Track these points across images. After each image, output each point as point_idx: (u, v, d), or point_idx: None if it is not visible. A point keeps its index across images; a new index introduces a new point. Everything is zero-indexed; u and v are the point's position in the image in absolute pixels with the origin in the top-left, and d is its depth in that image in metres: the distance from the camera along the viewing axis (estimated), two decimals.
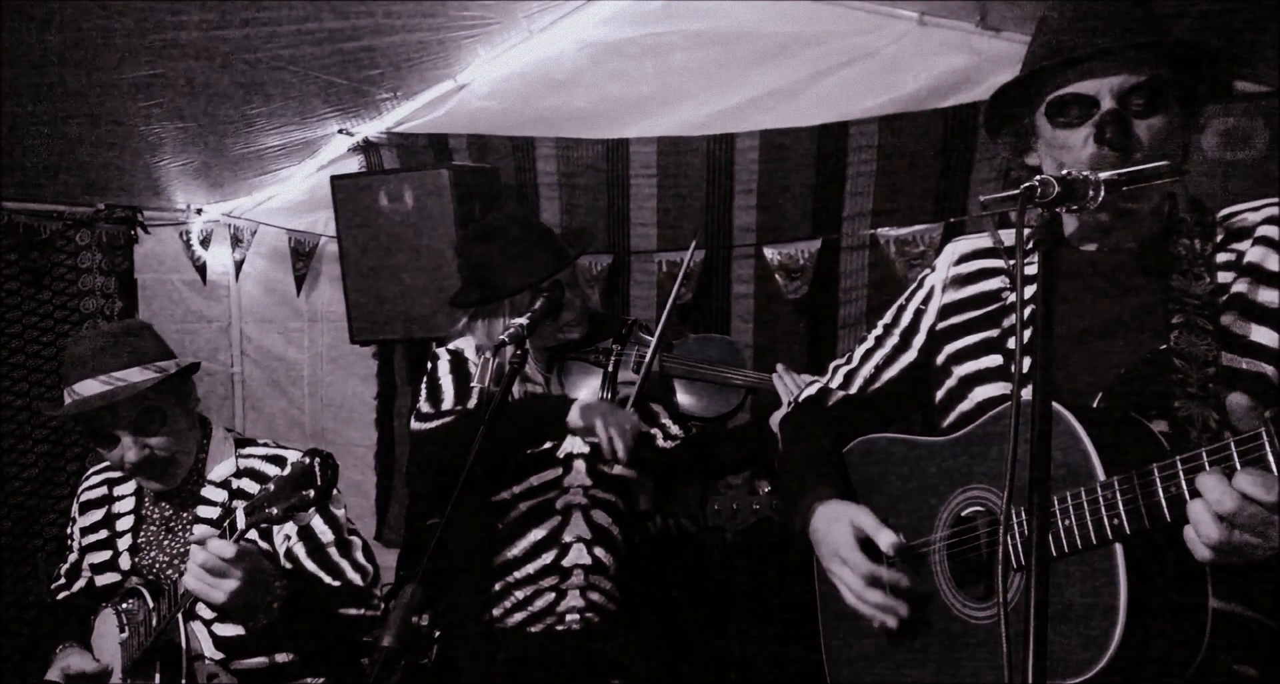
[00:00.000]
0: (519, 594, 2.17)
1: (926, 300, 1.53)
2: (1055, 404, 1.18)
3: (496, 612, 2.18)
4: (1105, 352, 1.29)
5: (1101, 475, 1.15)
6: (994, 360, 1.38)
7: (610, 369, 2.24)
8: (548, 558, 2.17)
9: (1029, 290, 1.29)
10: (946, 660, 1.32)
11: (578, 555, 2.18)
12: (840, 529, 1.38)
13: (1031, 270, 1.28)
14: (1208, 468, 1.06)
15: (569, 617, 2.18)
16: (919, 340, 1.53)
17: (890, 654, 1.40)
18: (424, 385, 2.22)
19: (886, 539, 1.33)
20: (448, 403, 2.16)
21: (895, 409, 1.60)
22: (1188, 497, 1.07)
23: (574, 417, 2.03)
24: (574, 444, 2.20)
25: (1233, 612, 1.20)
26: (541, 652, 2.17)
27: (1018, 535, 1.20)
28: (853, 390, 1.61)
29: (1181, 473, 1.09)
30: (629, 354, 2.27)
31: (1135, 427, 1.19)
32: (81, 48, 2.50)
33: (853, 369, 1.62)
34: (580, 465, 2.20)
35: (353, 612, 1.93)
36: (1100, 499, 1.13)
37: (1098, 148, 1.26)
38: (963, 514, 1.32)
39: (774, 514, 2.09)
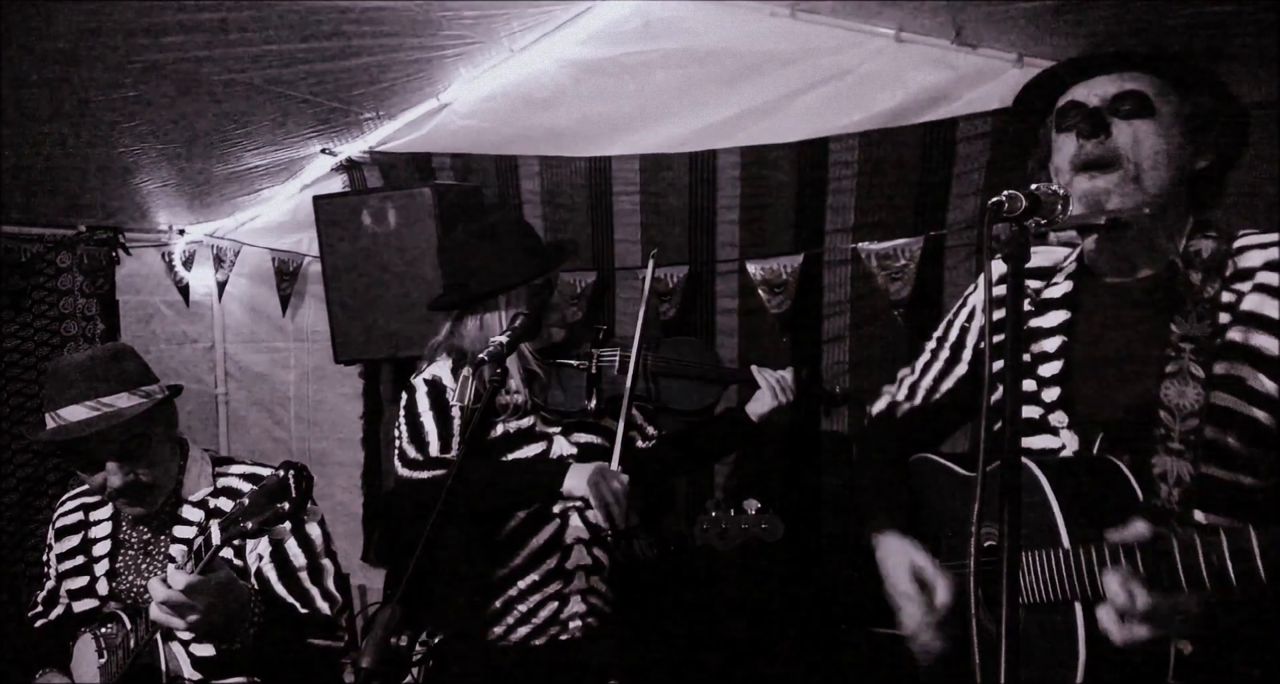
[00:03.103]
0: (522, 608, 2.16)
1: (970, 319, 1.65)
2: (1028, 462, 1.25)
3: (498, 630, 2.16)
4: (1113, 385, 1.36)
5: (1066, 541, 1.23)
6: (1027, 385, 1.43)
7: (594, 371, 2.26)
8: (551, 562, 2.17)
9: (1029, 306, 1.40)
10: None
11: (579, 556, 2.19)
12: (901, 570, 1.50)
13: (1054, 293, 1.44)
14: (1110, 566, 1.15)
15: (572, 624, 2.18)
16: (967, 354, 1.65)
17: (946, 662, 1.52)
18: (403, 421, 2.19)
19: (941, 598, 1.44)
20: (434, 446, 2.14)
21: (956, 417, 1.70)
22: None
23: (570, 484, 2.07)
24: (563, 446, 2.22)
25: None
26: (543, 664, 2.16)
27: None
28: (917, 401, 1.72)
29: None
30: (611, 357, 2.30)
31: (1112, 474, 1.25)
32: (62, 69, 2.50)
33: (915, 380, 1.73)
34: (573, 465, 2.20)
35: (320, 642, 1.91)
36: (1061, 565, 1.23)
37: (1078, 142, 1.37)
38: (986, 545, 1.40)
39: (762, 534, 2.10)
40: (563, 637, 2.16)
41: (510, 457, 2.18)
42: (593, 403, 2.27)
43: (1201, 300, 1.30)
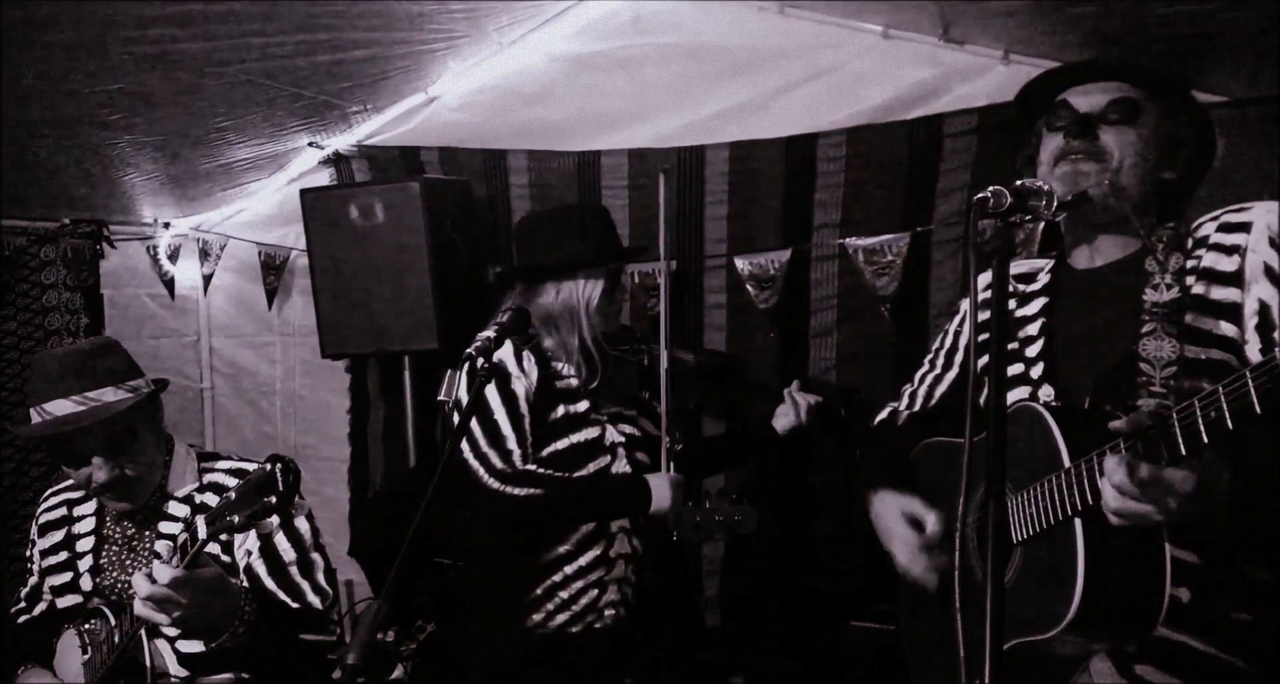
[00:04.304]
0: (564, 594, 2.16)
1: (961, 323, 1.80)
2: (1036, 405, 1.40)
3: (537, 617, 2.16)
4: (1094, 356, 1.47)
5: (1067, 463, 1.31)
6: (1015, 368, 1.56)
7: (646, 364, 2.33)
8: (598, 549, 2.19)
9: (1016, 297, 1.50)
10: (975, 616, 1.47)
11: (621, 545, 2.21)
12: (893, 513, 1.65)
13: (1034, 287, 1.58)
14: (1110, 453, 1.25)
15: (607, 612, 2.20)
16: (959, 358, 1.78)
17: (937, 612, 1.65)
18: (475, 420, 2.10)
19: (931, 524, 1.59)
20: (516, 453, 2.12)
21: (949, 418, 1.81)
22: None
23: (659, 505, 2.14)
24: (613, 434, 2.24)
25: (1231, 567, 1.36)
26: (574, 654, 2.17)
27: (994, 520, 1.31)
28: (916, 408, 1.85)
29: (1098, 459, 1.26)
30: (655, 351, 2.36)
31: (1103, 419, 1.34)
32: (46, 62, 2.48)
33: (914, 390, 1.87)
34: (623, 453, 2.26)
35: (312, 637, 1.91)
36: (1061, 485, 1.31)
37: (1065, 141, 1.49)
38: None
39: (736, 526, 2.11)
40: (597, 625, 2.17)
41: (568, 440, 2.20)
42: (648, 394, 2.35)
43: (1168, 272, 1.42)
